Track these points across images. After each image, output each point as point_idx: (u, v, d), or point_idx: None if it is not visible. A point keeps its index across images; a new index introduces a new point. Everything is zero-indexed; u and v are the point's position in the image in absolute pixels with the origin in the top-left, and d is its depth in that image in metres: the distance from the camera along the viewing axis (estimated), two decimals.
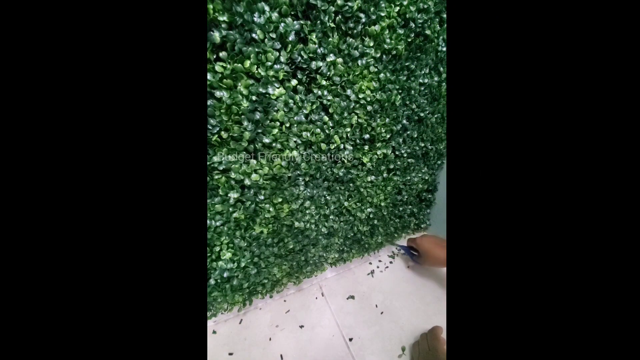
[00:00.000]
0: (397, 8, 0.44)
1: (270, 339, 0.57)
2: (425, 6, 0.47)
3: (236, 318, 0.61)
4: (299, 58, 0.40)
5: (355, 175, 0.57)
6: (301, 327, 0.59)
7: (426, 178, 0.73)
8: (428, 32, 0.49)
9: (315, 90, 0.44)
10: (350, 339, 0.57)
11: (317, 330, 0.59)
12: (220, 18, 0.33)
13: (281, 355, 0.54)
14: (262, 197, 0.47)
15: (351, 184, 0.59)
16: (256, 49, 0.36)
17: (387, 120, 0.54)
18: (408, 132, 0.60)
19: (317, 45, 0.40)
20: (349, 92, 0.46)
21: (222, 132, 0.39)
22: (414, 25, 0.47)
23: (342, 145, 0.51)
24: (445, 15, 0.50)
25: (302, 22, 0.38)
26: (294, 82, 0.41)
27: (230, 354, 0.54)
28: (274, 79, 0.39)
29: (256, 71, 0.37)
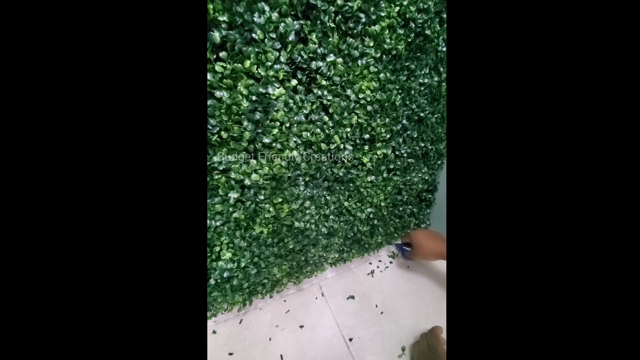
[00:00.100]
0: (397, 8, 0.44)
1: (270, 339, 0.57)
2: (425, 6, 0.47)
3: (236, 318, 0.61)
4: (299, 58, 0.40)
5: (355, 175, 0.57)
6: (301, 327, 0.59)
7: (426, 178, 0.73)
8: (428, 32, 0.49)
9: (315, 90, 0.44)
10: (350, 339, 0.57)
11: (317, 330, 0.59)
12: (220, 18, 0.33)
13: (281, 355, 0.54)
14: (262, 197, 0.47)
15: (351, 184, 0.59)
16: (256, 49, 0.36)
17: (387, 120, 0.54)
18: (408, 132, 0.60)
19: (317, 45, 0.40)
20: (349, 92, 0.46)
21: (222, 132, 0.39)
22: (414, 25, 0.47)
23: (342, 145, 0.51)
24: (445, 15, 0.50)
25: (302, 22, 0.38)
26: (294, 82, 0.41)
27: (230, 354, 0.54)
28: (274, 79, 0.39)
29: (256, 71, 0.37)
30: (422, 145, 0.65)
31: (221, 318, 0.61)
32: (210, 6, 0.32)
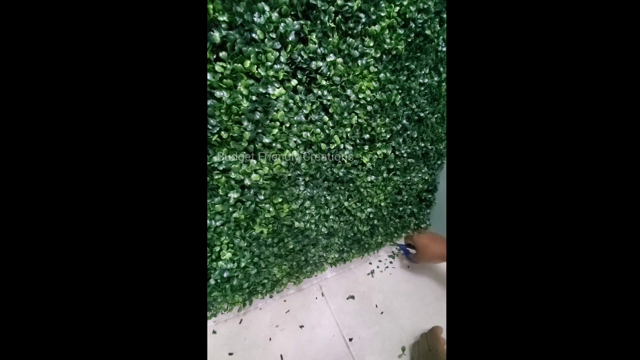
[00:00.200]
0: (397, 8, 0.44)
1: (270, 339, 0.57)
2: (425, 6, 0.47)
3: (236, 318, 0.61)
4: (299, 58, 0.39)
5: (355, 175, 0.57)
6: (301, 327, 0.59)
7: (426, 178, 0.73)
8: (428, 32, 0.49)
9: (315, 90, 0.44)
10: (350, 339, 0.57)
11: (317, 330, 0.59)
12: (220, 18, 0.33)
13: (281, 355, 0.54)
14: (262, 197, 0.47)
15: (351, 184, 0.59)
16: (256, 49, 0.36)
17: (387, 120, 0.54)
18: (408, 132, 0.60)
19: (317, 45, 0.40)
20: (349, 92, 0.46)
21: (222, 132, 0.39)
22: (414, 25, 0.47)
23: (342, 145, 0.51)
24: (445, 15, 0.50)
25: (302, 22, 0.38)
26: (294, 82, 0.41)
27: (230, 354, 0.54)
28: (274, 79, 0.39)
29: (256, 71, 0.37)
30: (422, 145, 0.65)
31: (221, 318, 0.61)
32: (210, 6, 0.32)
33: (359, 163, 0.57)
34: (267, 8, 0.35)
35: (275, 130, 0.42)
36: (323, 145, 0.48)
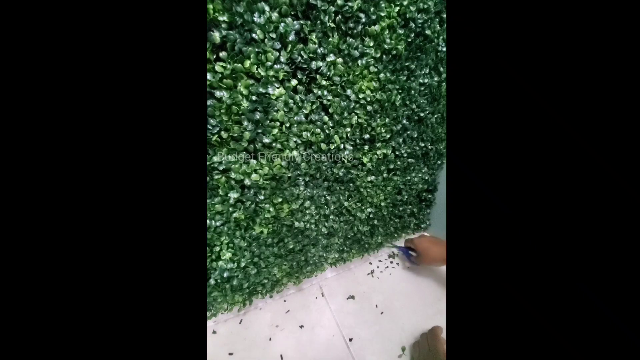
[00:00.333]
0: (397, 8, 0.44)
1: (270, 339, 0.57)
2: (425, 6, 0.47)
3: (236, 318, 0.61)
4: (299, 58, 0.39)
5: (355, 175, 0.57)
6: (301, 327, 0.59)
7: (426, 178, 0.73)
8: (428, 32, 0.49)
9: (315, 90, 0.44)
10: (350, 339, 0.57)
11: (317, 330, 0.59)
12: (220, 18, 0.33)
13: (281, 355, 0.54)
14: (262, 197, 0.47)
15: (351, 184, 0.59)
16: (256, 49, 0.36)
17: (387, 120, 0.54)
18: (408, 132, 0.60)
19: (317, 45, 0.40)
20: (349, 92, 0.46)
21: (222, 132, 0.39)
22: (414, 25, 0.47)
23: (342, 145, 0.51)
24: (445, 15, 0.50)
25: (302, 22, 0.38)
26: (294, 82, 0.41)
27: (230, 354, 0.54)
28: (274, 79, 0.39)
29: (256, 71, 0.37)
30: (422, 145, 0.65)
31: (221, 318, 0.61)
32: (210, 6, 0.32)
33: (359, 163, 0.57)
34: (267, 8, 0.35)
35: (275, 130, 0.42)
36: (323, 145, 0.48)
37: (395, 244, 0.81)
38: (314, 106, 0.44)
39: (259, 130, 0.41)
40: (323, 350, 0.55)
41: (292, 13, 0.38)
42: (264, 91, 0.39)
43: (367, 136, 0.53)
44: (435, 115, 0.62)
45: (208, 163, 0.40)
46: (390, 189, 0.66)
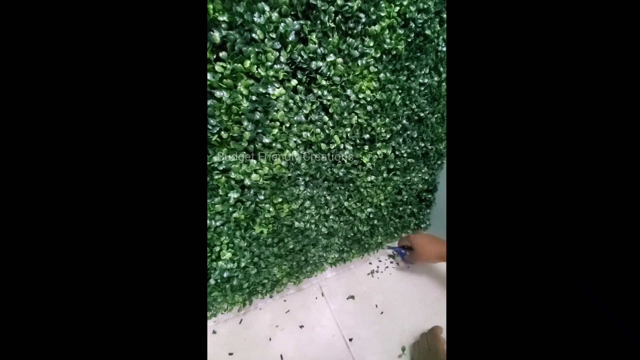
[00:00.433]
0: (397, 8, 0.44)
1: (270, 339, 0.57)
2: (425, 6, 0.47)
3: (236, 318, 0.61)
4: (299, 58, 0.39)
5: (355, 175, 0.57)
6: (301, 327, 0.59)
7: (426, 178, 0.73)
8: (428, 32, 0.49)
9: (315, 90, 0.44)
10: (350, 339, 0.57)
11: (317, 330, 0.59)
12: (220, 18, 0.33)
13: (281, 355, 0.54)
14: (262, 197, 0.47)
15: (351, 184, 0.59)
16: (256, 49, 0.36)
17: (387, 120, 0.54)
18: (408, 132, 0.60)
19: (317, 45, 0.40)
20: (349, 92, 0.46)
21: (222, 132, 0.39)
22: (414, 25, 0.47)
23: (342, 145, 0.51)
24: (445, 15, 0.50)
25: (302, 22, 0.38)
26: (294, 82, 0.41)
27: (230, 354, 0.54)
28: (274, 79, 0.39)
29: (256, 71, 0.37)
30: (422, 145, 0.65)
31: (221, 318, 0.61)
32: (210, 6, 0.32)
33: (359, 163, 0.57)
34: (267, 8, 0.35)
35: (275, 130, 0.42)
36: (323, 145, 0.48)
37: (390, 245, 0.81)
38: (314, 106, 0.44)
39: (259, 130, 0.41)
40: (323, 350, 0.55)
41: (292, 13, 0.38)
42: (264, 91, 0.39)
43: (367, 136, 0.53)
44: (435, 115, 0.62)
45: (208, 163, 0.40)
46: (390, 189, 0.66)
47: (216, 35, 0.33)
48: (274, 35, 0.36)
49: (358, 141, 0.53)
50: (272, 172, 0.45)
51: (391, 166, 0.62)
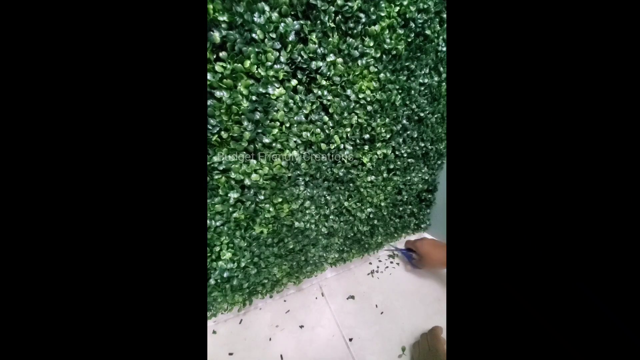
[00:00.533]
0: (397, 8, 0.44)
1: (270, 339, 0.57)
2: (425, 6, 0.47)
3: (236, 318, 0.61)
4: (299, 58, 0.39)
5: (355, 175, 0.57)
6: (301, 327, 0.59)
7: (426, 178, 0.73)
8: (428, 32, 0.49)
9: (315, 90, 0.44)
10: (350, 339, 0.57)
11: (317, 330, 0.59)
12: (220, 18, 0.33)
13: (281, 355, 0.54)
14: (262, 197, 0.47)
15: (351, 184, 0.59)
16: (256, 49, 0.36)
17: (387, 120, 0.54)
18: (408, 132, 0.60)
19: (317, 45, 0.40)
20: (349, 92, 0.46)
21: (222, 132, 0.39)
22: (414, 25, 0.47)
23: (342, 145, 0.51)
24: (445, 15, 0.50)
25: (302, 22, 0.38)
26: (294, 82, 0.41)
27: (230, 354, 0.54)
28: (274, 79, 0.39)
29: (256, 71, 0.37)
30: (422, 145, 0.65)
31: (221, 318, 0.61)
32: (210, 6, 0.32)
33: (359, 163, 0.57)
34: (267, 8, 0.35)
35: (275, 130, 0.42)
36: (323, 145, 0.48)
37: (396, 245, 0.81)
38: (314, 106, 0.44)
39: (259, 130, 0.41)
40: (323, 350, 0.55)
41: (292, 13, 0.38)
42: (264, 91, 0.39)
43: (367, 136, 0.53)
44: (435, 115, 0.62)
45: (208, 163, 0.40)
46: (390, 189, 0.66)
47: (216, 35, 0.33)
48: (274, 35, 0.36)
49: (358, 141, 0.53)
50: (272, 172, 0.45)
51: (391, 166, 0.62)
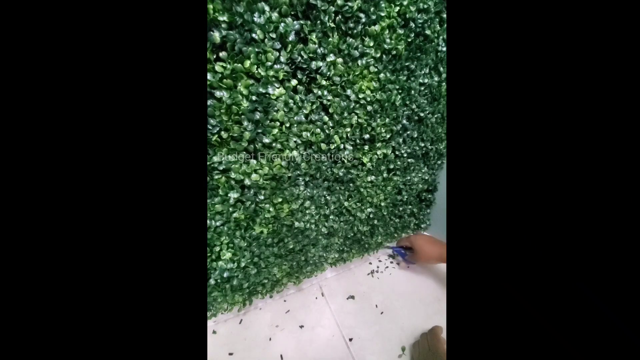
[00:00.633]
0: (397, 8, 0.44)
1: (270, 339, 0.57)
2: (425, 6, 0.47)
3: (236, 318, 0.61)
4: (299, 58, 0.39)
5: (355, 175, 0.57)
6: (301, 327, 0.59)
7: (426, 178, 0.73)
8: (428, 32, 0.49)
9: (315, 90, 0.44)
10: (350, 339, 0.57)
11: (317, 330, 0.59)
12: (220, 18, 0.33)
13: (281, 355, 0.54)
14: (262, 197, 0.47)
15: (351, 184, 0.59)
16: (256, 49, 0.36)
17: (387, 120, 0.54)
18: (408, 132, 0.60)
19: (317, 45, 0.40)
20: (349, 92, 0.46)
21: (222, 132, 0.39)
22: (414, 25, 0.47)
23: (342, 145, 0.51)
24: (445, 15, 0.50)
25: (302, 22, 0.38)
26: (294, 82, 0.41)
27: (230, 354, 0.54)
28: (274, 79, 0.39)
29: (256, 71, 0.37)
30: (422, 145, 0.65)
31: (221, 318, 0.61)
32: (210, 6, 0.32)
33: (359, 163, 0.57)
34: (267, 8, 0.35)
35: (275, 130, 0.42)
36: (323, 145, 0.48)
37: (390, 245, 0.82)
38: (314, 106, 0.44)
39: (259, 130, 0.41)
40: (323, 350, 0.55)
41: (292, 13, 0.38)
42: (264, 91, 0.39)
43: (367, 136, 0.53)
44: (435, 115, 0.62)
45: (208, 163, 0.40)
46: (390, 189, 0.66)
47: (216, 35, 0.33)
48: (274, 35, 0.36)
49: (358, 141, 0.53)
50: (272, 172, 0.45)
51: (391, 166, 0.62)
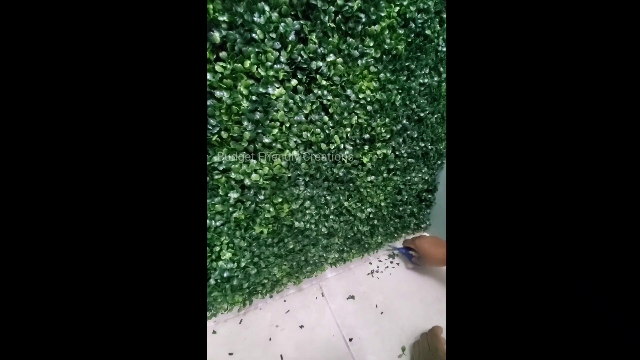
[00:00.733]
0: (397, 8, 0.44)
1: (270, 339, 0.57)
2: (425, 6, 0.47)
3: (236, 318, 0.61)
4: (299, 58, 0.39)
5: (355, 175, 0.57)
6: (301, 327, 0.59)
7: (426, 178, 0.73)
8: (428, 32, 0.49)
9: (315, 90, 0.44)
10: (350, 339, 0.57)
11: (317, 330, 0.59)
12: (220, 18, 0.33)
13: (281, 355, 0.54)
14: (262, 197, 0.47)
15: (351, 184, 0.59)
16: (256, 49, 0.36)
17: (387, 120, 0.54)
18: (408, 132, 0.60)
19: (317, 45, 0.40)
20: (349, 92, 0.46)
21: (222, 132, 0.39)
22: (414, 25, 0.47)
23: (342, 145, 0.51)
24: (445, 15, 0.50)
25: (302, 22, 0.38)
26: (294, 82, 0.41)
27: (230, 354, 0.54)
28: (274, 79, 0.39)
29: (256, 71, 0.37)
30: (422, 145, 0.65)
31: (221, 318, 0.61)
32: (210, 6, 0.32)
33: (359, 163, 0.57)
34: (267, 8, 0.35)
35: (275, 130, 0.42)
36: (323, 145, 0.48)
37: (394, 245, 0.81)
38: (314, 106, 0.44)
39: (259, 130, 0.41)
40: (323, 350, 0.55)
41: (292, 13, 0.38)
42: (264, 91, 0.39)
43: (367, 136, 0.53)
44: (435, 115, 0.62)
45: (208, 163, 0.40)
46: (390, 189, 0.66)
47: (216, 35, 0.33)
48: (274, 35, 0.37)
49: (358, 141, 0.53)
50: (272, 172, 0.45)
51: (391, 166, 0.62)
